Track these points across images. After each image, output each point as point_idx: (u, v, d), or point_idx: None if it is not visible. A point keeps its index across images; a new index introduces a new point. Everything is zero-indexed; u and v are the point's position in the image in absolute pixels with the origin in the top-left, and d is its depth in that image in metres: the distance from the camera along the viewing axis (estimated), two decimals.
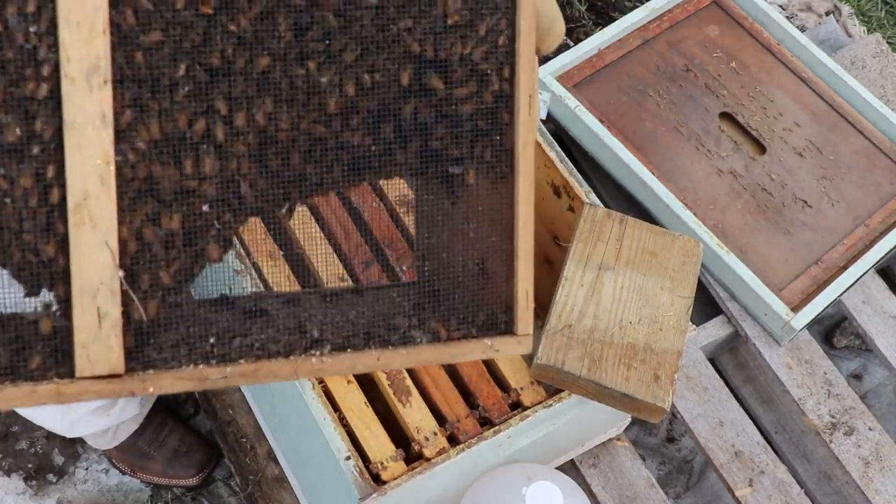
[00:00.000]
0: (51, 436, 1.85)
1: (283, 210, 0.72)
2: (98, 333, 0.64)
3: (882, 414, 1.92)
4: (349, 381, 1.24)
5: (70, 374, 0.63)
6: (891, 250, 1.80)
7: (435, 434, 1.23)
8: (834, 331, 1.99)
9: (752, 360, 1.87)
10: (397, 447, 1.21)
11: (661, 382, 1.23)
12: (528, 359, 1.30)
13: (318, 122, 0.69)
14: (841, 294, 1.75)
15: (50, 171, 0.62)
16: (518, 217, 0.73)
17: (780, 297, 1.73)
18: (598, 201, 1.44)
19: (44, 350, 0.64)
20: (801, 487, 1.67)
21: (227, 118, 0.66)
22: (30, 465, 1.84)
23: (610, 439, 1.67)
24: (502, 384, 1.30)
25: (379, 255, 1.38)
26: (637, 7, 2.14)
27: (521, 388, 1.29)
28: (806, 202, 1.85)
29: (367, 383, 1.28)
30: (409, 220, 1.40)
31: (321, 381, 1.24)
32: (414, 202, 0.81)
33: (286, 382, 1.27)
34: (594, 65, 1.97)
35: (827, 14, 2.43)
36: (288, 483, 1.69)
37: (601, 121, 1.88)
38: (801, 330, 1.72)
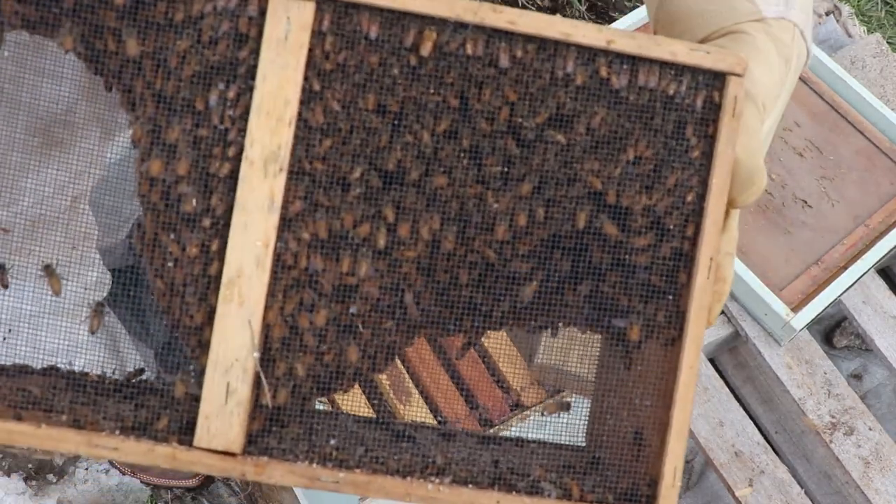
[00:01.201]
0: None
1: (458, 348, 0.72)
2: (223, 408, 0.65)
3: (882, 414, 1.92)
4: None
5: (189, 442, 0.65)
6: (891, 250, 1.80)
7: None
8: (834, 331, 1.99)
9: (752, 360, 1.87)
10: None
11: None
12: (529, 359, 1.30)
13: (486, 245, 0.69)
14: (841, 294, 1.75)
15: (214, 245, 0.65)
16: (679, 386, 0.70)
17: (780, 297, 1.73)
18: None
19: (171, 413, 0.66)
20: (801, 487, 1.67)
21: (392, 226, 0.68)
22: (30, 465, 1.84)
23: None
24: (502, 384, 1.30)
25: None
26: (637, 7, 2.14)
27: (521, 388, 1.29)
28: (806, 202, 1.85)
29: (366, 383, 1.28)
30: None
31: None
32: (595, 365, 0.80)
33: None
34: None
35: (827, 14, 2.43)
36: None
37: None
38: (801, 330, 1.72)
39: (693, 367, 0.70)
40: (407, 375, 1.26)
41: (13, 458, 1.84)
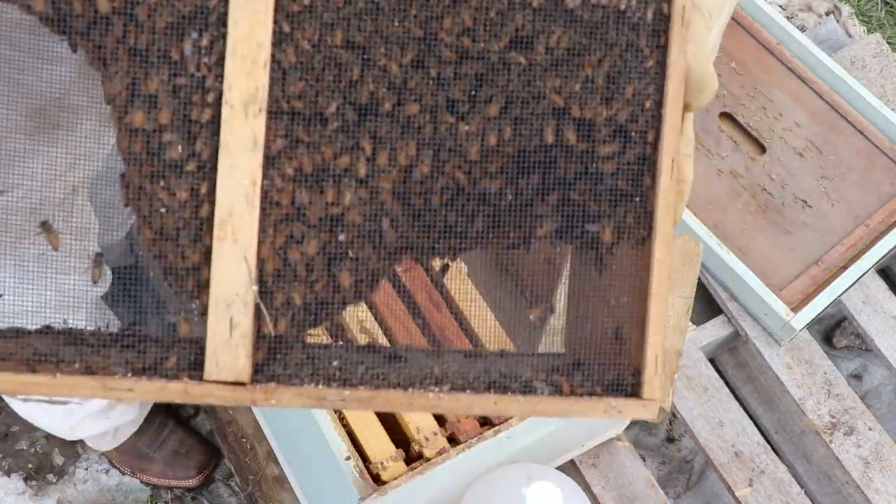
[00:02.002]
0: (51, 436, 1.85)
1: (438, 268, 0.74)
2: (228, 342, 0.69)
3: (882, 414, 1.92)
4: None
5: (199, 377, 0.69)
6: (891, 250, 1.80)
7: (435, 434, 1.23)
8: (834, 331, 1.99)
9: (752, 360, 1.87)
10: (397, 447, 1.21)
11: (661, 382, 1.23)
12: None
13: (458, 167, 0.73)
14: (841, 294, 1.75)
15: (203, 188, 0.68)
16: (653, 281, 0.74)
17: (780, 297, 1.73)
18: None
19: (179, 352, 0.70)
20: (801, 487, 1.67)
21: (371, 156, 0.72)
22: (30, 465, 1.84)
23: (610, 439, 1.67)
24: None
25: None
26: None
27: None
28: (806, 202, 1.85)
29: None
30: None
31: None
32: (567, 275, 0.85)
33: None
34: None
35: (827, 14, 2.43)
36: (288, 483, 1.69)
37: None
38: (801, 330, 1.72)
39: (664, 262, 0.74)
40: None
41: (13, 458, 1.84)
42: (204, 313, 0.69)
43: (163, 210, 0.69)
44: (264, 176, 0.69)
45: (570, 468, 1.66)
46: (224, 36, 0.67)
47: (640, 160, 0.75)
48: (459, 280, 1.36)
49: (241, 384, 0.68)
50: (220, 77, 0.68)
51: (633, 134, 0.75)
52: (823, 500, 1.77)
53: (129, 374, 0.68)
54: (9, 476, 1.82)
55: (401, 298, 1.34)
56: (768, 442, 1.74)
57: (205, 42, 0.68)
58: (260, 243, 0.69)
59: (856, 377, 1.97)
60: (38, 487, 1.82)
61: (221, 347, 0.68)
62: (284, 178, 0.69)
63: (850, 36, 2.35)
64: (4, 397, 1.56)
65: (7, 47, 0.84)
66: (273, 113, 0.69)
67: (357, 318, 1.29)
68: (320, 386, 0.69)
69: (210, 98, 0.68)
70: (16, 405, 1.57)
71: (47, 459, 1.84)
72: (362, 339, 1.28)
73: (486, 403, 0.71)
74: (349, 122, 0.71)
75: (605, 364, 0.77)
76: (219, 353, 0.68)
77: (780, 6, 2.47)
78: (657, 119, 0.75)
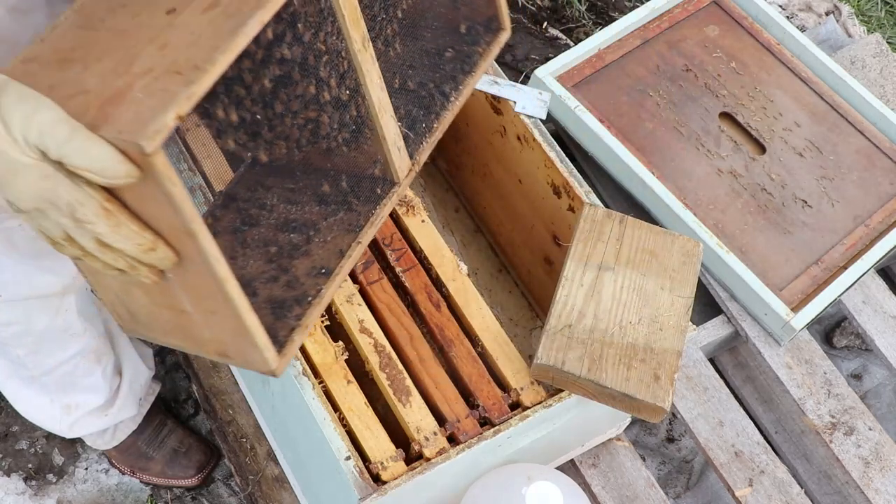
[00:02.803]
0: (51, 436, 1.85)
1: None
2: (401, 158, 1.19)
3: (882, 414, 1.92)
4: (349, 381, 1.24)
5: (392, 183, 1.20)
6: (891, 250, 1.80)
7: (435, 434, 1.23)
8: (834, 331, 1.99)
9: (752, 360, 1.87)
10: (397, 447, 1.21)
11: (661, 382, 1.23)
12: (528, 359, 1.30)
13: (398, 75, 1.29)
14: (841, 294, 1.75)
15: (359, 101, 1.12)
16: None
17: (780, 297, 1.73)
18: (598, 201, 1.44)
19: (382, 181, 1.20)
20: (801, 487, 1.67)
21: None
22: (30, 465, 1.84)
23: (610, 439, 1.67)
24: (502, 384, 1.30)
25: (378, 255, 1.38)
26: (637, 7, 2.14)
27: (521, 388, 1.28)
28: (806, 202, 1.85)
29: (367, 383, 1.28)
30: (409, 221, 1.40)
31: (321, 382, 1.24)
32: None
33: (287, 383, 1.27)
34: (594, 65, 1.97)
35: (827, 14, 2.43)
36: (288, 483, 1.69)
37: (601, 121, 1.88)
38: (801, 330, 1.72)
39: None
40: (406, 375, 1.26)
41: (13, 458, 1.84)
42: (386, 159, 1.17)
43: (337, 115, 1.16)
44: (383, 76, 1.11)
45: (570, 468, 1.66)
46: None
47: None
48: (459, 280, 1.36)
49: (409, 172, 1.21)
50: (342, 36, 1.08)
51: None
52: (823, 500, 1.77)
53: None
54: (9, 476, 1.82)
55: (401, 298, 1.34)
56: (768, 442, 1.74)
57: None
58: (395, 108, 1.16)
59: (856, 377, 1.97)
60: (38, 487, 1.82)
61: (398, 161, 1.18)
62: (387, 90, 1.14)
63: (850, 36, 2.34)
64: (5, 395, 1.56)
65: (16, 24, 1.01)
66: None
67: (357, 317, 1.29)
68: None
69: (344, 53, 1.11)
70: (16, 404, 1.57)
71: (47, 459, 1.84)
72: (362, 339, 1.28)
73: None
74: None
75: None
76: (398, 164, 1.19)
77: (780, 6, 2.47)
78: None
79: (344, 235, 1.15)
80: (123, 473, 1.81)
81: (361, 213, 1.18)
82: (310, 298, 1.10)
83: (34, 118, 0.72)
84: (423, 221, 1.40)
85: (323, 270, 1.12)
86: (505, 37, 1.32)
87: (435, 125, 1.26)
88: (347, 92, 1.08)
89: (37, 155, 0.73)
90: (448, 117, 1.28)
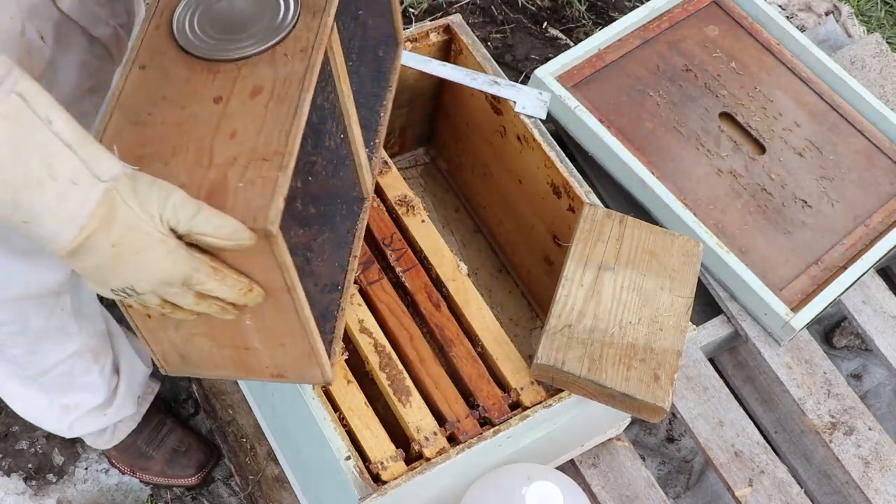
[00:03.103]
0: (51, 436, 1.85)
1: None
2: (368, 176, 1.30)
3: (882, 414, 1.92)
4: (349, 381, 1.24)
5: (362, 199, 1.31)
6: (891, 250, 1.80)
7: (435, 434, 1.23)
8: (834, 331, 1.99)
9: (752, 359, 1.87)
10: (397, 447, 1.21)
11: (661, 382, 1.23)
12: (528, 359, 1.30)
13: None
14: (841, 294, 1.75)
15: (346, 139, 1.19)
16: None
17: (780, 296, 1.73)
18: (598, 201, 1.44)
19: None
20: (801, 487, 1.67)
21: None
22: (30, 465, 1.84)
23: (610, 439, 1.67)
24: (502, 384, 1.30)
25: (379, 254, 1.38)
26: (637, 7, 2.14)
27: (521, 388, 1.28)
28: (806, 202, 1.85)
29: (367, 383, 1.28)
30: (409, 221, 1.40)
31: None
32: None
33: (287, 385, 1.27)
34: (594, 65, 1.97)
35: (827, 14, 2.43)
36: (288, 483, 1.69)
37: (601, 121, 1.88)
38: (800, 330, 1.72)
39: None
40: (406, 375, 1.26)
41: (13, 458, 1.84)
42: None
43: (325, 162, 1.14)
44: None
45: (570, 468, 1.66)
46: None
47: None
48: (459, 280, 1.36)
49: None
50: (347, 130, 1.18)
51: None
52: (823, 500, 1.77)
53: None
54: (9, 476, 1.82)
55: (401, 298, 1.34)
56: (768, 442, 1.74)
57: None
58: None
59: (856, 377, 1.97)
60: (38, 487, 1.82)
61: (366, 176, 1.29)
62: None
63: (849, 36, 2.35)
64: (3, 396, 1.55)
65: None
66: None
67: (357, 317, 1.29)
68: None
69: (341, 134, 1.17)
70: (14, 405, 1.57)
71: (47, 459, 1.84)
72: (362, 339, 1.28)
73: None
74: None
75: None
76: (366, 179, 1.30)
77: (780, 6, 2.47)
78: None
79: (338, 252, 1.21)
80: (123, 473, 1.81)
81: (346, 229, 1.24)
82: (335, 312, 1.18)
83: (169, 198, 0.83)
84: (423, 221, 1.40)
85: (333, 286, 1.19)
86: (402, 50, 1.45)
87: (377, 141, 1.35)
88: (341, 136, 1.16)
89: (166, 231, 0.83)
90: (382, 133, 1.37)
